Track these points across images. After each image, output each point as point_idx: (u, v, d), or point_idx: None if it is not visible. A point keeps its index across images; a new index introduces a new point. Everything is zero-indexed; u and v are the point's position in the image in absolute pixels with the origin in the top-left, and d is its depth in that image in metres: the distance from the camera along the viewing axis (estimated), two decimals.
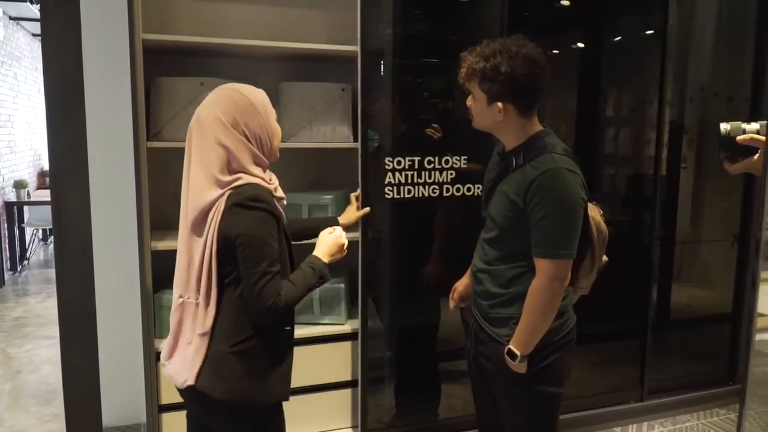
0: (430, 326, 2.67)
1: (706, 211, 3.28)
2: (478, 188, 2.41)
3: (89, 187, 2.12)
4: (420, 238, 2.65)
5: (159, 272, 2.17)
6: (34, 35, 7.29)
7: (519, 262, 1.65)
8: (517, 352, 1.61)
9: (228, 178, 1.44)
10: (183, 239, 1.50)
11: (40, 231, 6.96)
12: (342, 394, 2.52)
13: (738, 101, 3.09)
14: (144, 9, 2.09)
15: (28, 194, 6.18)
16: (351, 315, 2.56)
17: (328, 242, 1.65)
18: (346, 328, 2.49)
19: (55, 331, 2.30)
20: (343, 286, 2.49)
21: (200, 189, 1.45)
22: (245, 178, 1.45)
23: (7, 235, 5.81)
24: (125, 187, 2.29)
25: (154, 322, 2.21)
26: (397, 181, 2.41)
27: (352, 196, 2.27)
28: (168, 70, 2.30)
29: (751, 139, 1.30)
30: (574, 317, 1.73)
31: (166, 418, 2.25)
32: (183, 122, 2.21)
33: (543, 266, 1.58)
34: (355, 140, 2.48)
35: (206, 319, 1.47)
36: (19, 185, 6.02)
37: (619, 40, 3.10)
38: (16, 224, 5.93)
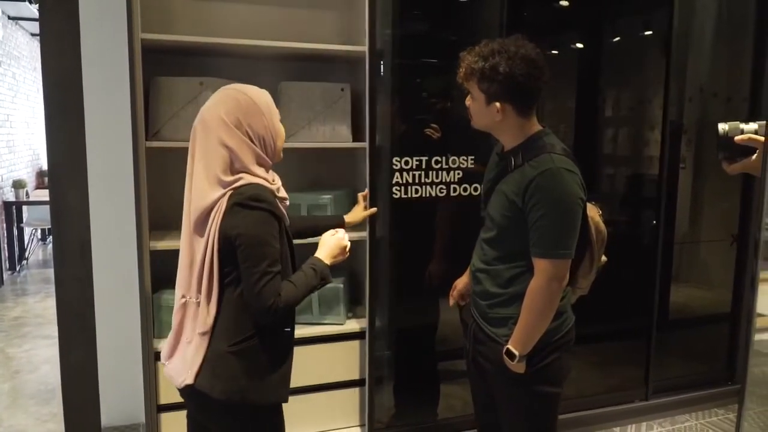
0: (429, 326, 2.67)
1: (705, 212, 3.29)
2: None
3: (88, 187, 2.12)
4: (419, 238, 2.65)
5: (158, 272, 2.16)
6: (32, 35, 7.29)
7: (518, 262, 1.65)
8: (516, 352, 1.61)
9: (230, 178, 1.44)
10: (185, 239, 1.51)
11: (39, 231, 6.95)
12: (344, 393, 2.51)
13: (737, 101, 3.09)
14: (143, 8, 2.09)
15: (27, 194, 6.18)
16: (350, 315, 2.56)
17: (331, 244, 1.65)
18: (348, 327, 2.49)
19: (53, 330, 2.30)
20: (342, 286, 2.49)
21: (203, 189, 1.45)
22: (247, 178, 1.45)
23: (5, 234, 5.81)
24: (124, 187, 2.28)
25: (152, 321, 2.21)
26: (404, 181, 2.43)
27: (360, 195, 2.27)
28: (167, 70, 2.30)
29: (749, 139, 1.30)
30: (573, 317, 1.73)
31: (165, 418, 2.24)
32: (182, 122, 2.22)
33: (541, 266, 1.59)
34: (355, 140, 2.48)
35: (207, 318, 1.47)
36: (17, 185, 6.02)
37: (618, 40, 3.10)
38: (15, 224, 5.92)
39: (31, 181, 6.88)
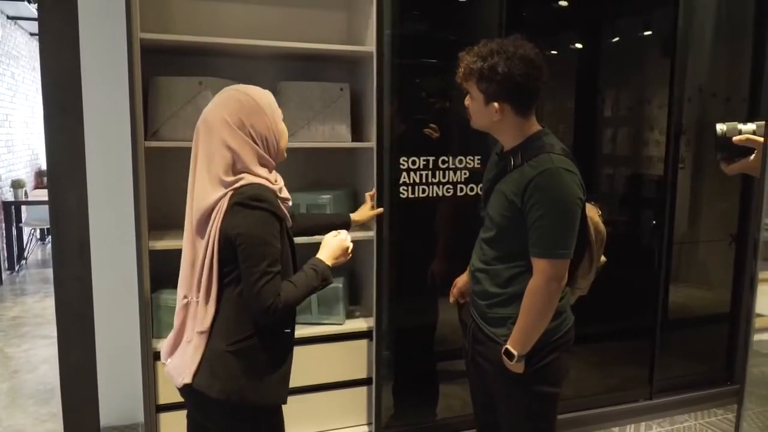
0: (428, 326, 2.67)
1: (703, 212, 3.29)
2: None
3: (87, 187, 2.12)
4: (422, 238, 2.66)
5: (157, 272, 2.16)
6: (31, 34, 7.29)
7: (517, 262, 1.65)
8: (515, 352, 1.61)
9: (231, 178, 1.44)
10: (188, 240, 1.51)
11: (38, 231, 6.95)
12: (349, 393, 2.51)
13: (736, 102, 3.09)
14: (142, 8, 2.09)
15: (26, 194, 6.18)
16: (349, 315, 2.56)
17: (333, 245, 1.64)
18: (349, 327, 2.49)
19: (52, 330, 2.30)
20: (341, 286, 2.48)
21: (204, 190, 1.45)
22: (248, 178, 1.45)
23: (4, 234, 5.81)
24: (123, 187, 2.28)
25: (152, 321, 2.20)
26: (411, 181, 2.45)
27: (367, 195, 2.27)
28: (166, 70, 2.30)
29: (747, 139, 1.30)
30: (572, 317, 1.73)
31: (164, 417, 2.24)
32: (181, 122, 2.21)
33: (540, 266, 1.59)
34: (354, 140, 2.48)
35: (206, 317, 1.47)
36: (16, 185, 6.01)
37: (618, 40, 3.10)
38: (14, 224, 5.92)
39: (30, 180, 6.88)
